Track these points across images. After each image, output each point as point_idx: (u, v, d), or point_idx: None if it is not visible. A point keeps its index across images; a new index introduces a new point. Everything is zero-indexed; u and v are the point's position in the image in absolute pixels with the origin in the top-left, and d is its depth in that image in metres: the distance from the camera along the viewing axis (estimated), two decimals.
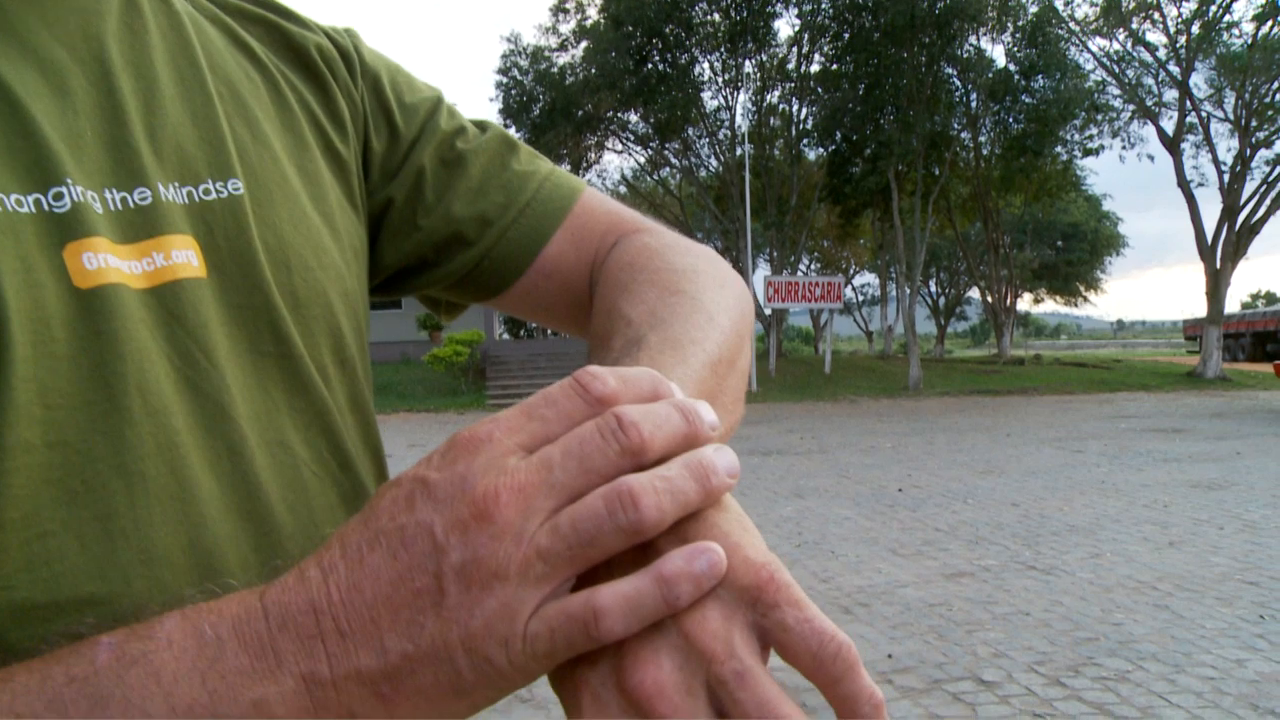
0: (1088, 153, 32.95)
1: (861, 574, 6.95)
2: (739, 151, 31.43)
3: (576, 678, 0.47)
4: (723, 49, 31.50)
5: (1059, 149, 32.24)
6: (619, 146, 37.68)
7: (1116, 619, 5.78)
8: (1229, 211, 27.65)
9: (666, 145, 35.06)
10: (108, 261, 0.58)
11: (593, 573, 0.48)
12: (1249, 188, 27.89)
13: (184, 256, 0.63)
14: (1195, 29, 28.02)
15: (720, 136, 34.43)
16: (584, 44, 32.76)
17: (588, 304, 0.89)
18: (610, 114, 33.47)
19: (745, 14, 29.98)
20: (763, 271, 34.42)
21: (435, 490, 0.47)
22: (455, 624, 0.45)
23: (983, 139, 32.80)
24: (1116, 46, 29.93)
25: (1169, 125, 29.37)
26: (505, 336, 50.32)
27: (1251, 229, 27.69)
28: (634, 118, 34.17)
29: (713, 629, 0.46)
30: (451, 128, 0.89)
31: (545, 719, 4.36)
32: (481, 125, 0.92)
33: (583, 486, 0.47)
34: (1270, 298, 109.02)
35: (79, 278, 0.56)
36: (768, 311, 29.39)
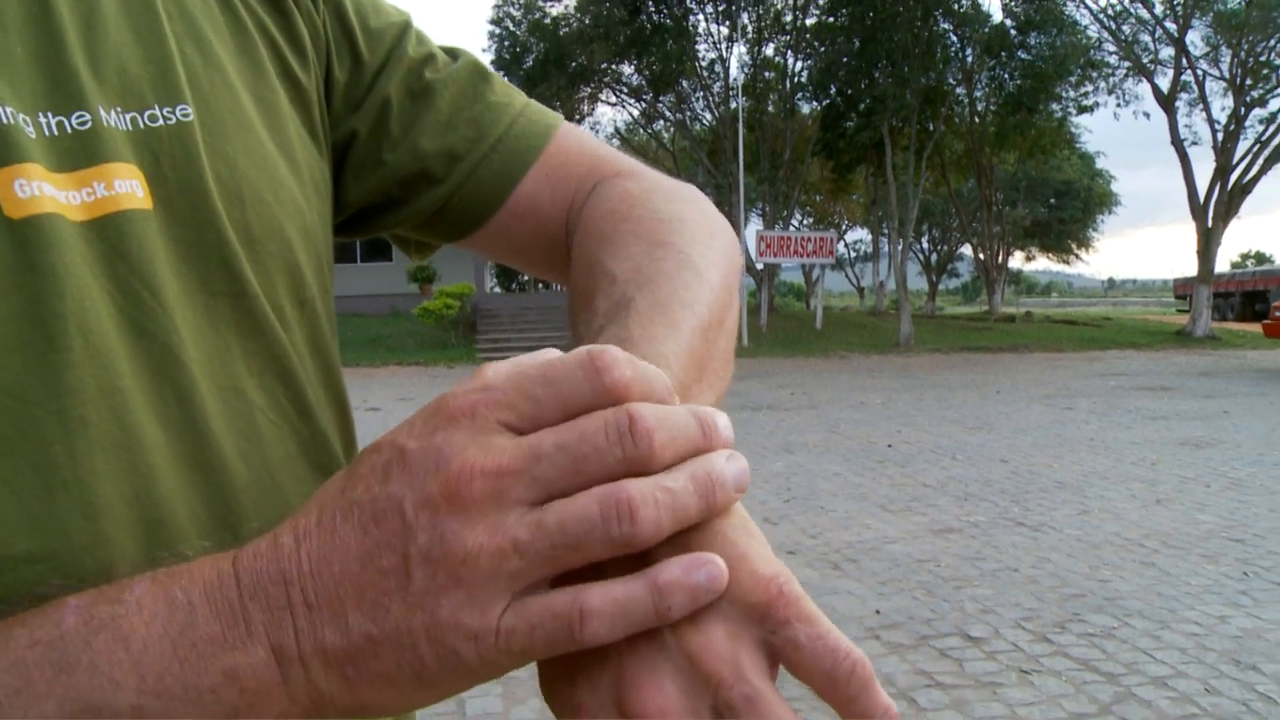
0: (1082, 110, 32.90)
1: (850, 530, 6.98)
2: (733, 105, 31.24)
3: (575, 701, 0.45)
4: (718, 0, 31.24)
5: (1054, 106, 32.16)
6: (613, 99, 37.40)
7: (1103, 575, 5.81)
8: (1222, 170, 27.61)
9: (660, 98, 34.87)
10: (42, 190, 0.53)
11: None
12: (1242, 147, 27.87)
13: (128, 187, 0.57)
14: None
15: (714, 90, 34.24)
16: None
17: (564, 249, 0.83)
18: (604, 66, 33.22)
19: None
20: (755, 226, 34.26)
21: (410, 462, 0.44)
22: (420, 611, 0.42)
23: (978, 95, 32.65)
24: (1113, 2, 29.72)
25: (1164, 83, 29.26)
26: (496, 289, 50.24)
27: (1244, 188, 27.67)
28: (628, 70, 33.95)
29: (719, 650, 0.43)
30: (420, 55, 0.83)
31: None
32: (452, 53, 0.86)
33: (568, 487, 0.43)
34: (1260, 257, 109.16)
35: (10, 206, 0.52)
36: (759, 266, 29.32)
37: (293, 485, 0.63)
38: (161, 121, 0.61)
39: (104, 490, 0.51)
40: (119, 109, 0.59)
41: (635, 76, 34.21)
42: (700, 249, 0.71)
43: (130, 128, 0.59)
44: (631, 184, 0.82)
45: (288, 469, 0.63)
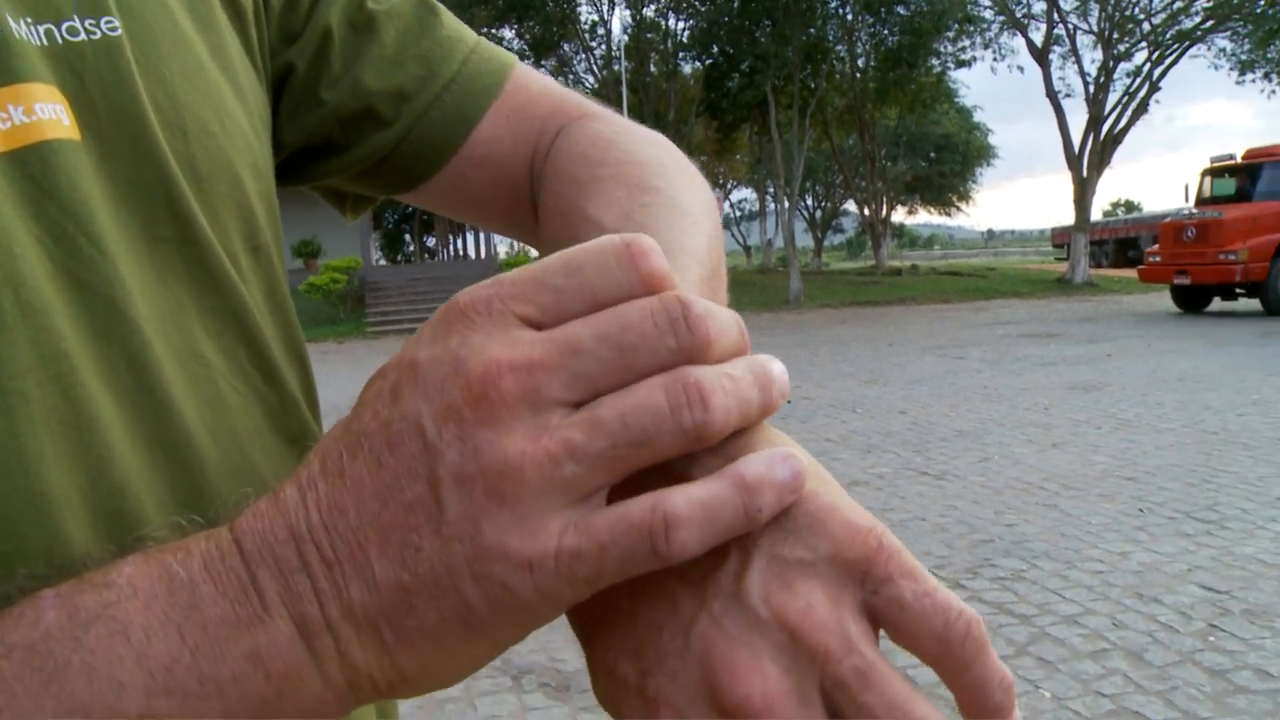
0: (960, 64, 33.51)
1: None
2: (616, 67, 31.09)
3: (649, 693, 0.38)
4: None
5: (933, 61, 32.68)
6: None
7: (1009, 520, 5.94)
8: (1094, 122, 28.35)
9: (542, 61, 34.50)
10: None
11: None
12: (1112, 99, 28.61)
13: (50, 112, 0.48)
14: None
15: (597, 53, 34.04)
16: None
17: (529, 200, 0.76)
18: (485, 30, 32.75)
19: None
20: None
21: (423, 373, 0.37)
22: (458, 543, 0.35)
23: (858, 51, 33.00)
24: None
25: (1038, 37, 29.85)
26: (382, 262, 49.49)
27: (1115, 139, 28.46)
28: (509, 34, 33.51)
29: (823, 619, 0.36)
30: None
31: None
32: None
33: (615, 384, 0.36)
34: (1129, 205, 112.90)
35: None
36: None
37: (264, 460, 0.55)
38: (84, 36, 0.51)
39: (54, 477, 0.43)
40: (29, 19, 0.49)
41: (516, 40, 33.80)
42: (686, 193, 0.64)
43: (45, 42, 0.49)
44: (601, 126, 0.74)
45: (258, 442, 0.55)
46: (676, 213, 0.59)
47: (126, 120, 0.52)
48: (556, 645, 4.24)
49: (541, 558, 0.35)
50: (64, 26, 0.50)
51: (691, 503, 0.36)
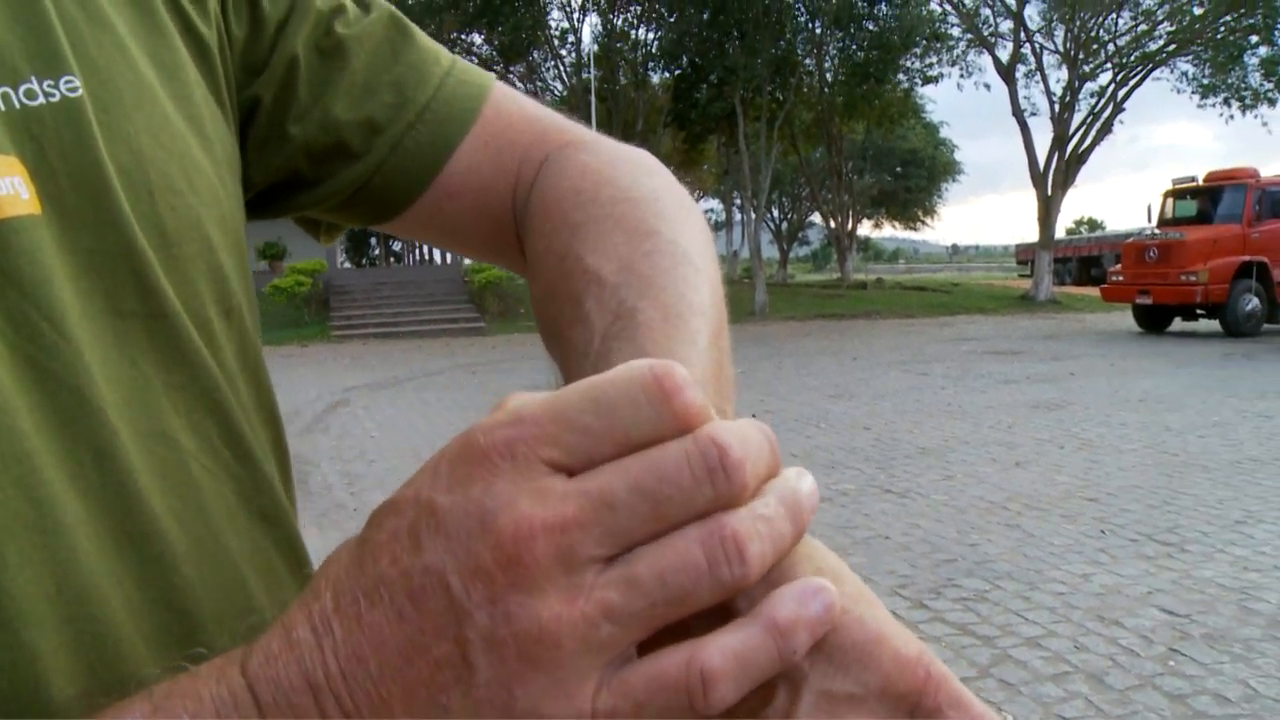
0: (927, 80, 33.75)
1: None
2: (585, 75, 31.10)
3: None
4: None
5: (900, 76, 32.88)
6: None
7: (972, 540, 5.96)
8: (1059, 141, 28.63)
9: (511, 69, 34.43)
10: None
11: None
12: (1077, 118, 28.91)
13: (8, 186, 0.46)
14: None
15: (566, 61, 34.03)
16: None
17: (510, 230, 0.73)
18: (454, 36, 32.65)
19: None
20: None
21: (446, 523, 0.34)
22: (490, 706, 0.34)
23: (827, 65, 33.13)
24: None
25: (1004, 55, 30.11)
26: (347, 265, 49.18)
27: (1079, 158, 28.76)
28: (478, 40, 33.43)
29: None
30: (328, 6, 0.70)
31: None
32: (363, 3, 0.73)
33: (648, 536, 0.35)
34: (1092, 224, 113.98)
35: None
36: None
37: (237, 543, 0.53)
38: (42, 99, 0.49)
39: (19, 587, 0.41)
40: None
41: (485, 47, 33.72)
42: (686, 234, 0.61)
43: (3, 107, 0.47)
44: (589, 156, 0.70)
45: (229, 524, 0.53)
46: (679, 261, 0.58)
47: (88, 187, 0.49)
48: None
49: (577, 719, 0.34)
50: (21, 90, 0.48)
51: (726, 654, 0.34)
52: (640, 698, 0.34)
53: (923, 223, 65.10)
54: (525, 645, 0.33)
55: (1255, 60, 28.27)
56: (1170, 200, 21.34)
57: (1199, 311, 19.35)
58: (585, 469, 0.35)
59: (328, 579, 0.37)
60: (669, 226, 0.61)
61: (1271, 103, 28.79)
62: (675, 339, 0.51)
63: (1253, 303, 18.79)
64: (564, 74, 34.29)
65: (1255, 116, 29.40)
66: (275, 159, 0.68)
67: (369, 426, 10.90)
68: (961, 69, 32.92)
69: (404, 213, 0.73)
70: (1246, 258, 18.79)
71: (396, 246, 53.15)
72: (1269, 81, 28.37)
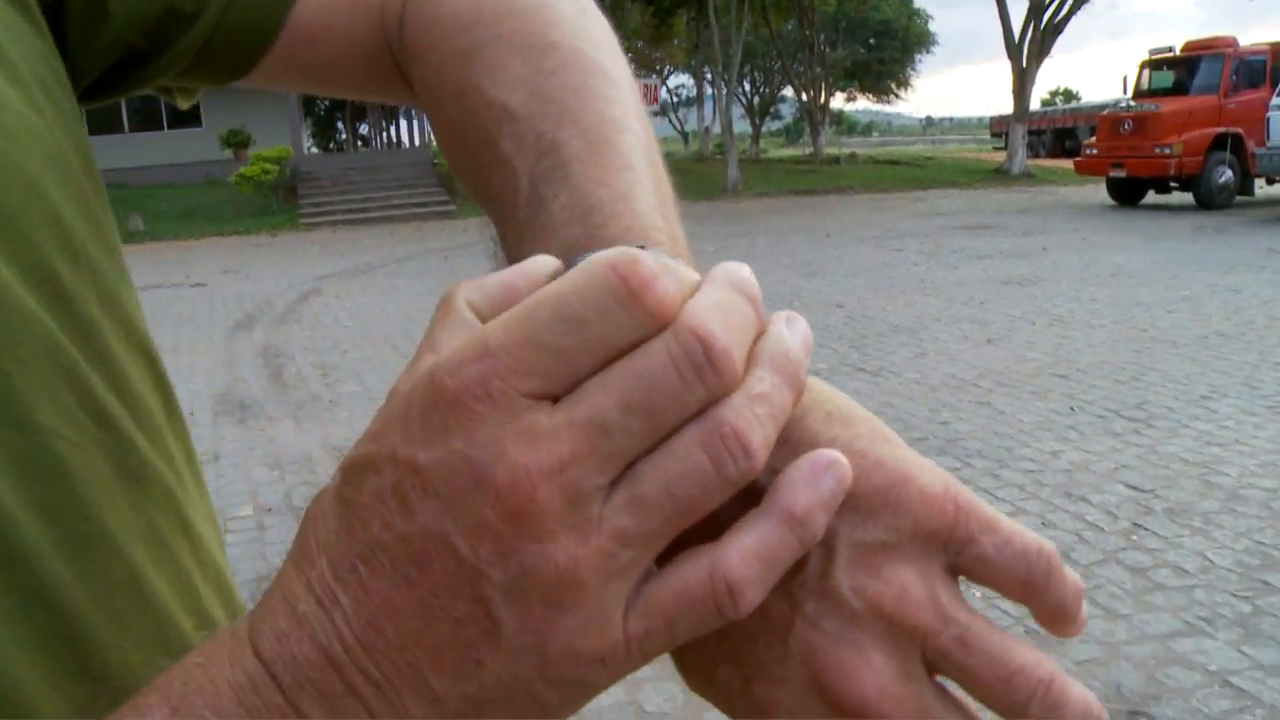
0: None
1: None
2: None
3: (756, 698, 0.37)
4: None
5: None
6: None
7: (943, 418, 6.04)
8: (1035, 10, 28.18)
9: None
10: None
11: None
12: None
13: None
14: None
15: None
16: None
17: (389, 66, 0.67)
18: None
19: None
20: None
21: (433, 481, 0.32)
22: (524, 655, 0.33)
23: None
24: None
25: None
26: (314, 150, 48.44)
27: (1055, 28, 28.35)
28: None
29: (917, 598, 0.35)
30: None
31: None
32: None
33: (646, 449, 0.33)
34: (1068, 94, 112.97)
35: None
36: None
37: (115, 518, 0.47)
38: None
39: None
40: None
41: None
42: (587, 38, 0.56)
43: None
44: None
45: (106, 499, 0.47)
46: (588, 73, 0.53)
47: None
48: None
49: (612, 649, 0.34)
50: None
51: (747, 557, 0.33)
52: (670, 614, 0.34)
53: (896, 95, 64.51)
54: (547, 591, 0.32)
55: None
56: (1147, 71, 21.16)
57: (1172, 184, 19.34)
58: (566, 390, 0.33)
59: (319, 543, 0.35)
60: (566, 34, 0.56)
61: None
62: (608, 168, 0.48)
63: (1226, 175, 18.77)
64: None
65: None
66: (102, 41, 0.61)
67: (341, 316, 10.88)
68: None
69: (256, 67, 0.68)
70: (1221, 129, 18.72)
71: (364, 130, 52.33)
72: None
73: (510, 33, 0.57)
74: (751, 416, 0.33)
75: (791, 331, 0.36)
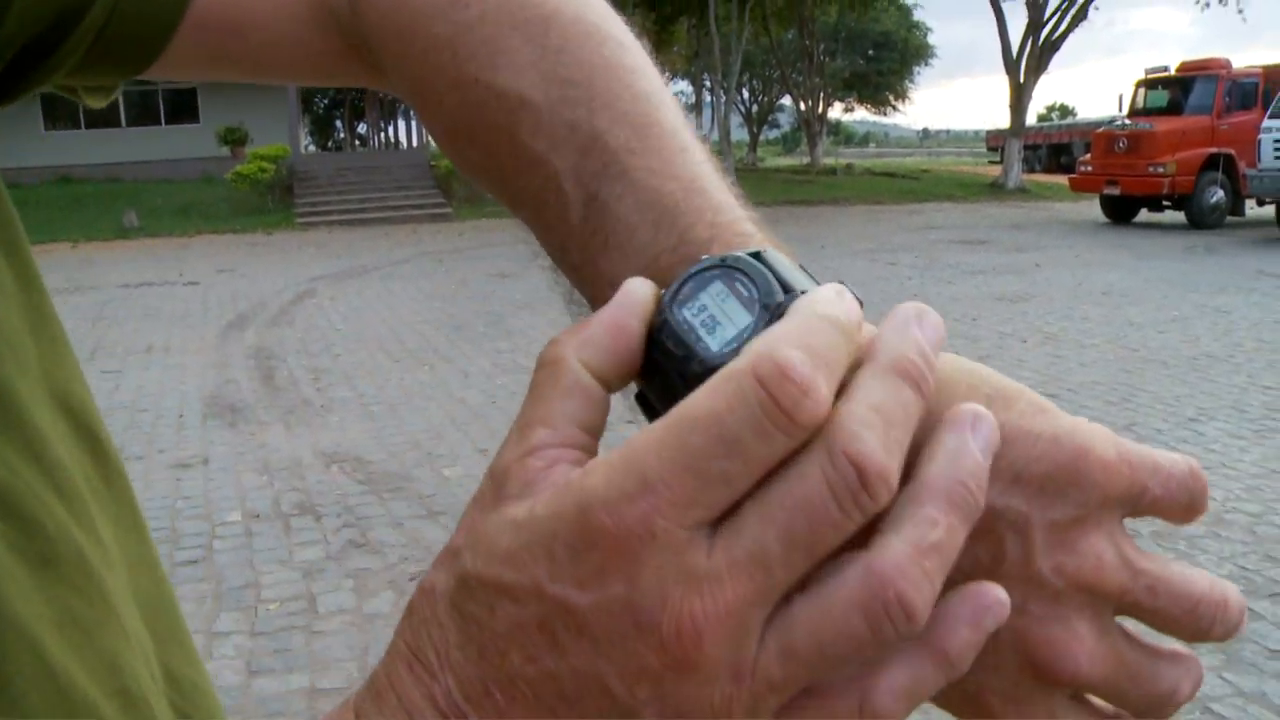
0: None
1: None
2: None
3: (970, 689, 0.38)
4: None
5: None
6: None
7: None
8: (1033, 26, 28.26)
9: None
10: None
11: None
12: (1052, 4, 28.51)
13: None
14: None
15: None
16: None
17: (341, 50, 0.61)
18: None
19: None
20: None
21: (590, 625, 0.31)
22: None
23: None
24: None
25: None
26: (312, 148, 48.42)
27: (1053, 44, 28.44)
28: None
29: (1111, 563, 0.36)
30: None
31: None
32: None
33: (804, 575, 0.32)
34: (1064, 110, 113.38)
35: None
36: None
37: (23, 607, 0.42)
38: None
39: None
40: None
41: None
42: (581, 2, 0.52)
43: None
44: None
45: (14, 591, 0.41)
46: (600, 43, 0.49)
47: None
48: None
49: None
50: None
51: (896, 694, 0.32)
52: None
53: (894, 107, 64.66)
54: None
55: None
56: (1142, 90, 21.23)
57: (1165, 203, 19.42)
58: (724, 514, 0.31)
59: (441, 657, 0.33)
60: (557, 1, 0.51)
61: None
62: (665, 155, 0.45)
63: (1218, 195, 18.86)
64: None
65: (1229, 5, 29.17)
66: None
67: (335, 319, 10.87)
68: None
69: (159, 59, 0.62)
70: (1214, 150, 18.80)
71: (362, 129, 52.29)
72: None
73: (496, 9, 0.51)
74: (919, 574, 0.31)
75: (975, 435, 0.33)
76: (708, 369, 0.35)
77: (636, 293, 0.37)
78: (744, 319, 0.37)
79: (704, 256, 0.39)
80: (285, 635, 3.75)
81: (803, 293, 0.37)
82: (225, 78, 0.67)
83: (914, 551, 0.31)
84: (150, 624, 0.52)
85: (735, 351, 0.35)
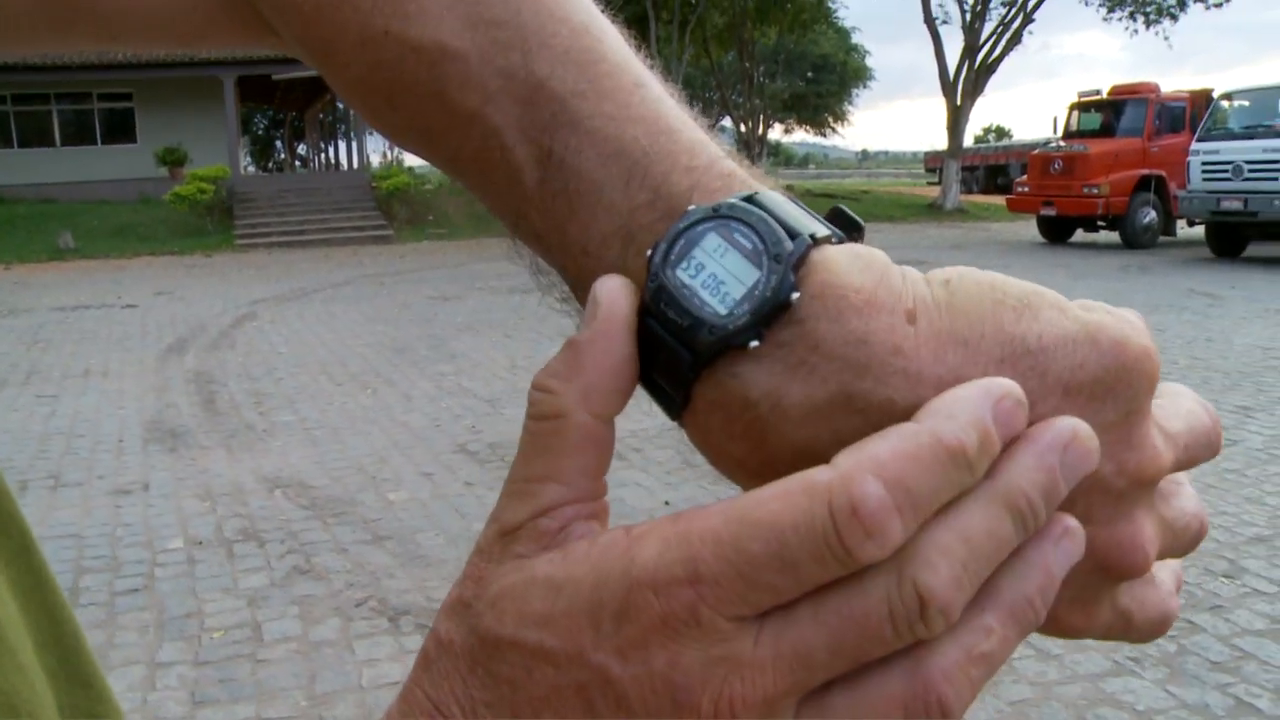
0: None
1: (631, 418, 7.03)
2: None
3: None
4: None
5: None
6: None
7: None
8: (970, 50, 28.74)
9: None
10: None
11: None
12: (988, 28, 29.03)
13: None
14: None
15: None
16: None
17: (204, 6, 0.48)
18: None
19: None
20: None
21: (629, 696, 0.31)
22: None
23: None
24: None
25: None
26: (253, 170, 47.96)
27: (988, 68, 28.94)
28: None
29: (1161, 449, 0.35)
30: None
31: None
32: None
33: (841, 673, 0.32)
34: (1000, 131, 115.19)
35: None
36: None
37: None
38: None
39: None
40: None
41: None
42: None
43: None
44: None
45: None
46: None
47: None
48: (433, 585, 4.25)
49: None
50: None
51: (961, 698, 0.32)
52: None
53: (833, 128, 65.32)
54: None
55: None
56: (1076, 112, 21.66)
57: (1100, 223, 19.83)
58: (768, 613, 0.31)
59: (468, 713, 0.33)
60: None
61: (1174, 18, 29.23)
62: (618, 95, 0.39)
63: (1150, 215, 19.29)
64: None
65: (1157, 33, 29.89)
66: None
67: (276, 342, 10.76)
68: None
69: None
70: (1145, 171, 19.23)
71: (302, 150, 51.89)
72: None
73: None
74: (964, 681, 0.31)
75: (1058, 549, 0.33)
76: (721, 338, 0.33)
77: (615, 303, 0.35)
78: (751, 274, 0.34)
79: (690, 208, 0.35)
80: (230, 665, 3.69)
81: (811, 236, 0.35)
82: (74, 44, 0.55)
83: (964, 659, 0.31)
84: (49, 661, 0.49)
85: (748, 314, 0.33)
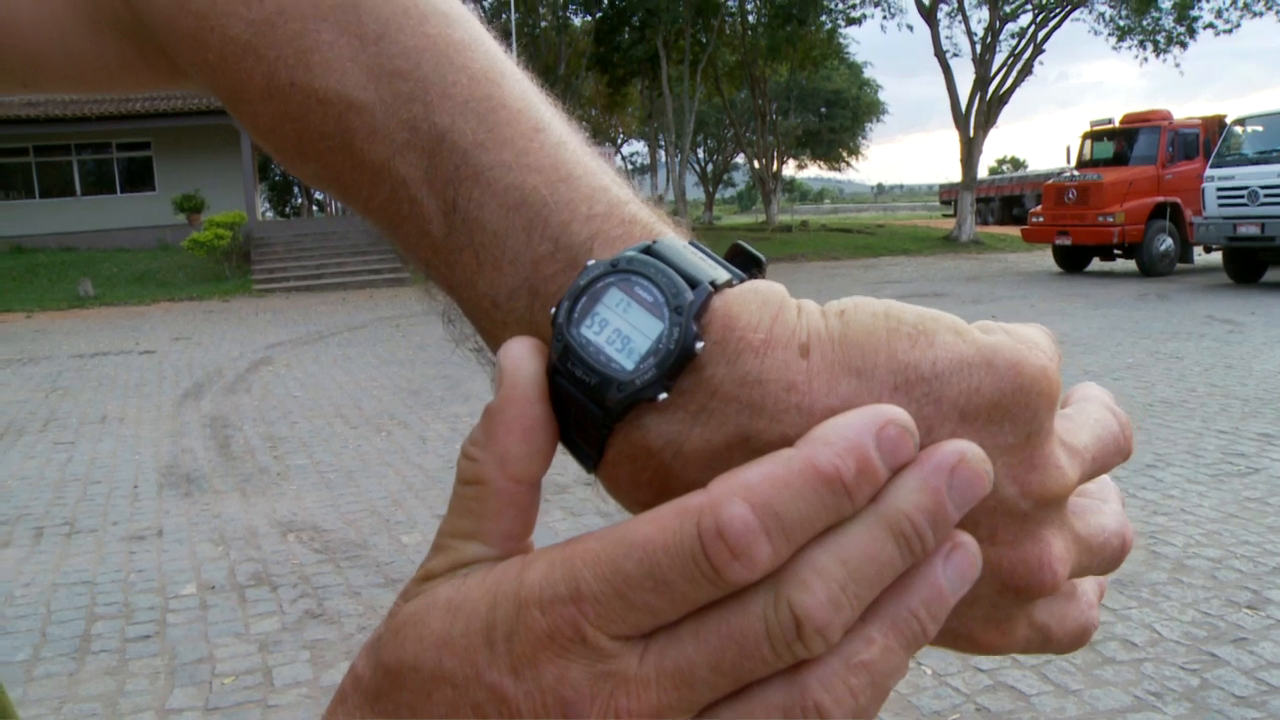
0: (850, 21, 33.88)
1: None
2: (504, 17, 30.67)
3: (952, 624, 0.36)
4: None
5: (823, 17, 32.86)
6: None
7: None
8: (981, 82, 28.83)
9: None
10: None
11: None
12: (998, 59, 29.10)
13: None
14: None
15: (486, 3, 33.50)
16: None
17: (116, 54, 0.49)
18: None
19: None
20: None
21: (522, 712, 0.32)
22: None
23: (749, 7, 33.02)
24: None
25: None
26: (270, 215, 48.32)
27: (1001, 99, 29.00)
28: None
29: (1067, 467, 0.36)
30: None
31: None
32: None
33: (726, 694, 0.33)
34: (1015, 162, 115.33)
35: None
36: None
37: None
38: None
39: None
40: None
41: None
42: None
43: None
44: None
45: None
46: (420, 21, 0.41)
47: None
48: None
49: None
50: None
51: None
52: None
53: (847, 163, 65.48)
54: None
55: (1169, 3, 28.64)
56: (1089, 141, 21.65)
57: (1116, 252, 19.77)
58: (653, 633, 0.33)
59: None
60: None
61: (1183, 45, 29.24)
62: (518, 142, 0.39)
63: (1166, 243, 19.22)
64: (483, 16, 33.64)
65: (1164, 60, 29.90)
66: None
67: (291, 386, 10.77)
68: (884, 9, 33.07)
69: None
70: (1160, 199, 19.18)
71: (319, 195, 52.29)
72: (1180, 25, 28.79)
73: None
74: (844, 691, 0.32)
75: (947, 565, 0.34)
76: (630, 395, 0.34)
77: (518, 370, 0.36)
78: (654, 327, 0.34)
79: (589, 262, 0.36)
80: (241, 711, 3.66)
81: (711, 283, 0.35)
82: None
83: (842, 667, 0.32)
84: None
85: (654, 369, 0.34)
